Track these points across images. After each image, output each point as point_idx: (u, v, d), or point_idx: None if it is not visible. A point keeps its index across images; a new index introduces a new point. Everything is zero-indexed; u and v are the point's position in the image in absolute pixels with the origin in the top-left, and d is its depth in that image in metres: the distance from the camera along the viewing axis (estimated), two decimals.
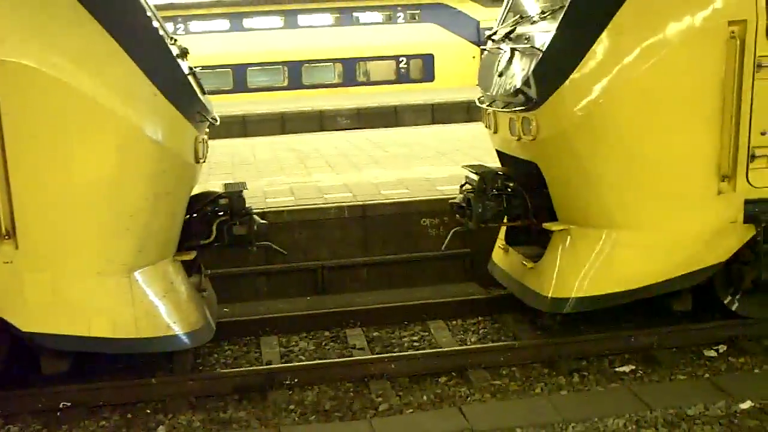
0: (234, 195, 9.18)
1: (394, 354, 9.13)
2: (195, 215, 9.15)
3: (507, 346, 9.04)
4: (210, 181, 13.06)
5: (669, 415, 7.27)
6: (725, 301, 9.32)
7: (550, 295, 8.97)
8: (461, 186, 10.00)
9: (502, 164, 10.32)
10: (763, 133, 8.41)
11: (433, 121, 29.45)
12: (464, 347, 9.32)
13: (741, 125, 8.32)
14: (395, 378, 8.68)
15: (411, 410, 7.97)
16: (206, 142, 8.91)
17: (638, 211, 8.64)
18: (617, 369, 8.75)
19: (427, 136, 19.88)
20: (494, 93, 9.70)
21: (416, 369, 8.77)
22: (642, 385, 8.32)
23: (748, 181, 8.53)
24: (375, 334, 10.09)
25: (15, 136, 7.34)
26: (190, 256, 8.85)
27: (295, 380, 8.59)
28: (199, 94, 8.36)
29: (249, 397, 8.41)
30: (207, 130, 9.05)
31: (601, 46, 8.16)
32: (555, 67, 8.38)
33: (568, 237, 9.04)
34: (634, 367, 8.75)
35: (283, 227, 11.63)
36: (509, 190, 9.65)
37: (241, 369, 8.91)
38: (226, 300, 11.10)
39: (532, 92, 8.68)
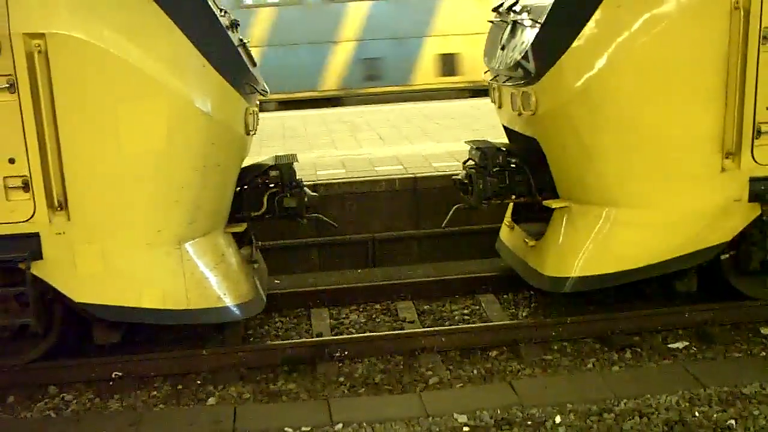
0: (285, 167, 9.17)
1: (445, 327, 9.07)
2: (246, 187, 9.15)
3: (558, 321, 8.92)
4: (261, 153, 13.03)
5: (723, 393, 7.11)
6: (733, 282, 9.05)
7: (549, 274, 8.83)
8: (464, 162, 9.83)
9: (509, 140, 10.12)
10: None
11: None
12: (515, 321, 9.24)
13: (746, 100, 8.00)
14: (445, 352, 8.63)
15: (461, 384, 7.92)
16: (256, 114, 8.88)
17: (638, 188, 8.41)
18: (670, 345, 8.60)
19: (478, 108, 19.69)
20: (497, 67, 9.51)
21: (467, 343, 8.70)
22: (696, 362, 8.18)
23: (753, 158, 8.22)
24: (425, 307, 10.04)
25: (66, 109, 7.37)
26: (241, 228, 8.87)
27: (345, 353, 8.58)
28: (249, 66, 8.31)
29: (299, 369, 8.43)
30: (257, 101, 9.01)
31: (599, 18, 7.91)
32: (553, 40, 8.16)
33: (568, 214, 8.88)
34: (687, 344, 8.59)
35: (333, 199, 11.60)
36: (512, 166, 9.49)
37: (291, 341, 8.93)
38: (278, 272, 11.14)
39: (531, 66, 8.48)
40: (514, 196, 9.64)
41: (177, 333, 9.09)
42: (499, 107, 9.94)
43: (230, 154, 8.27)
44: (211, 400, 7.81)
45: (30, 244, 7.63)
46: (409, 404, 7.28)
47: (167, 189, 7.78)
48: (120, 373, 8.26)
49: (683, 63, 7.91)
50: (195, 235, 8.12)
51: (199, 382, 8.25)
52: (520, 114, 9.01)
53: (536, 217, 9.70)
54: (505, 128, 10.13)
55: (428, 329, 8.96)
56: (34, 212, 7.57)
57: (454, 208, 9.85)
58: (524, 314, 9.63)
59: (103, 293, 7.86)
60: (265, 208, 9.15)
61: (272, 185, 9.21)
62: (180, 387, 8.15)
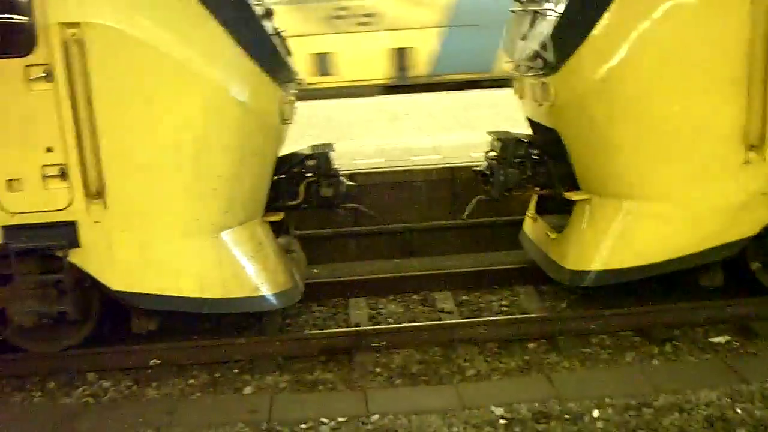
0: (322, 156, 9.12)
1: (483, 318, 8.98)
2: (283, 176, 9.12)
3: (598, 314, 8.78)
4: (299, 142, 13.00)
5: (766, 389, 6.94)
6: (760, 278, 8.82)
7: (569, 268, 8.70)
8: (486, 153, 9.70)
9: (533, 132, 9.96)
10: None
11: None
12: (554, 314, 9.13)
13: None
14: (483, 343, 8.54)
15: (498, 377, 7.84)
16: (292, 103, 8.84)
17: (659, 181, 8.24)
18: (711, 340, 8.44)
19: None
20: (518, 57, 9.37)
21: (505, 334, 8.61)
22: (737, 357, 8.02)
23: None
24: (463, 297, 9.96)
25: (103, 98, 7.40)
26: (278, 217, 8.85)
27: (383, 343, 8.53)
28: (285, 55, 8.27)
29: (336, 359, 8.39)
30: (293, 90, 8.97)
31: (618, 7, 7.77)
32: (571, 31, 8.02)
33: (589, 207, 8.74)
34: (729, 339, 8.42)
35: (371, 189, 11.55)
36: (534, 157, 9.35)
37: (329, 330, 8.91)
38: (316, 261, 11.11)
39: (550, 56, 8.32)
40: (535, 188, 9.53)
41: (215, 322, 9.10)
42: (521, 98, 9.81)
43: (266, 143, 8.25)
44: (248, 389, 7.80)
45: (67, 232, 7.68)
46: (445, 396, 7.21)
47: (204, 178, 7.78)
48: (158, 361, 8.27)
49: (705, 51, 7.74)
50: (232, 224, 8.11)
51: (236, 371, 8.24)
52: (540, 105, 8.88)
53: (559, 209, 9.54)
54: (528, 119, 9.99)
55: (466, 320, 8.90)
56: (71, 200, 7.61)
57: (475, 199, 9.74)
58: (563, 306, 9.51)
59: (139, 281, 7.89)
60: (302, 197, 9.11)
61: (309, 174, 9.16)
62: (217, 375, 8.15)
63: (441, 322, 8.97)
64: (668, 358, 8.06)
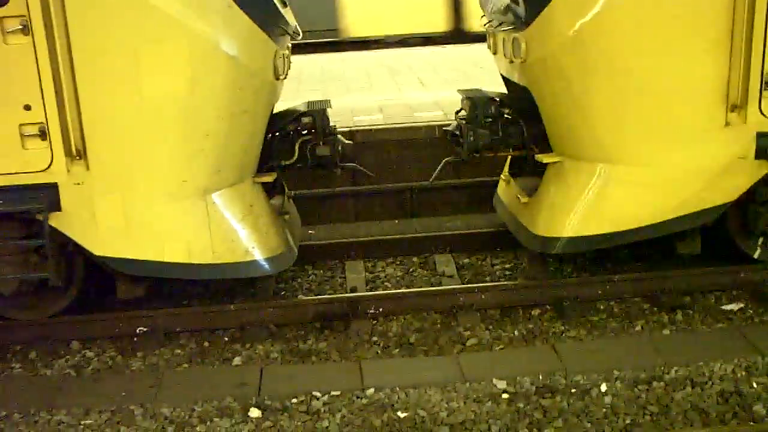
0: (318, 113, 8.69)
1: (484, 284, 8.58)
2: (276, 134, 8.70)
3: (605, 279, 8.39)
4: (297, 97, 12.56)
5: None
6: (740, 245, 8.43)
7: (539, 234, 8.28)
8: (456, 112, 9.27)
9: (507, 90, 9.48)
10: None
11: None
12: (559, 280, 8.71)
13: (753, 46, 7.28)
14: (485, 310, 8.18)
15: (501, 346, 7.48)
16: (287, 58, 8.40)
17: (634, 143, 7.77)
18: (724, 307, 8.05)
19: None
20: (491, 10, 8.87)
21: (508, 301, 8.24)
22: (752, 326, 7.65)
23: (761, 111, 7.51)
24: (465, 260, 9.60)
25: (83, 52, 6.96)
26: (271, 177, 8.43)
27: (380, 309, 8.17)
28: (279, 6, 7.80)
29: (331, 326, 8.04)
30: (288, 44, 8.52)
31: None
32: None
33: (561, 170, 8.30)
34: (743, 306, 8.02)
35: (370, 146, 11.13)
36: (505, 117, 8.91)
37: (323, 296, 8.51)
38: (311, 222, 10.75)
39: (521, 9, 7.86)
40: (507, 149, 9.06)
41: (205, 287, 8.74)
42: (494, 54, 9.33)
43: (258, 100, 7.79)
44: (237, 360, 7.45)
45: (48, 195, 7.28)
46: (445, 368, 6.88)
47: (191, 137, 7.35)
48: (144, 329, 7.92)
49: (684, 6, 7.22)
50: (221, 186, 7.71)
51: (226, 339, 7.91)
52: (511, 62, 8.44)
53: (534, 171, 9.03)
54: (503, 77, 9.52)
55: (467, 286, 8.49)
56: (51, 161, 7.20)
57: (443, 162, 9.29)
58: (568, 270, 9.11)
59: (124, 246, 7.51)
60: (297, 156, 8.70)
61: (305, 132, 8.74)
62: (206, 344, 7.80)
63: (440, 287, 8.56)
64: (679, 328, 7.67)
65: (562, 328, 7.77)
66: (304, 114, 8.69)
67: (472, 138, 8.77)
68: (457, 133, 8.90)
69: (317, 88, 14.94)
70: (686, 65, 7.40)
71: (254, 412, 6.36)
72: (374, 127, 11.41)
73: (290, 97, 11.00)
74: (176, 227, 7.58)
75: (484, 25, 9.44)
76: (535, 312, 8.12)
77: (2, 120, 7.09)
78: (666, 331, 7.58)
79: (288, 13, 8.28)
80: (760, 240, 8.34)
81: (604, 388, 6.44)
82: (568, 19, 7.45)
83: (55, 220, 7.37)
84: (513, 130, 8.89)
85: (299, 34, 8.61)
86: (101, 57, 6.97)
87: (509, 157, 9.68)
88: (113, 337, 7.93)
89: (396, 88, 14.71)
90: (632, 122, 7.66)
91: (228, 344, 7.78)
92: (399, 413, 6.26)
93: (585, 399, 6.31)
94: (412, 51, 19.89)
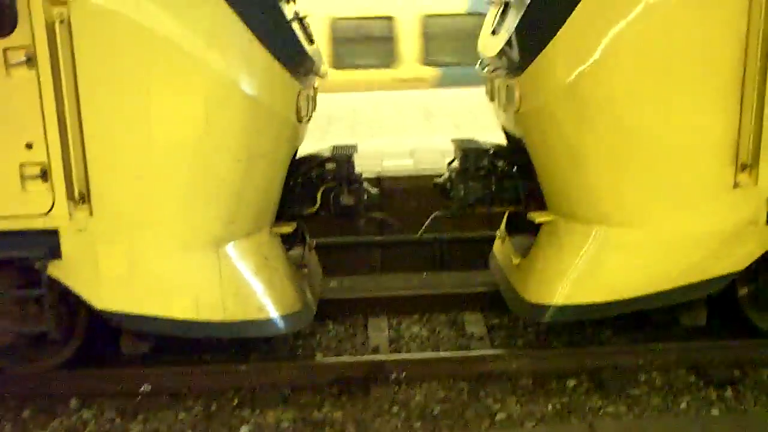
0: (342, 159, 8.13)
1: (515, 350, 7.94)
2: (298, 181, 8.13)
3: (647, 348, 7.72)
4: (326, 139, 12.03)
5: None
6: (752, 319, 7.74)
7: (529, 300, 7.58)
8: (449, 163, 8.64)
9: (507, 140, 8.81)
10: None
11: None
12: (598, 348, 8.04)
13: (766, 101, 6.62)
14: (516, 378, 7.53)
15: (533, 423, 6.80)
16: (312, 99, 7.86)
17: (634, 204, 7.07)
18: None
19: None
20: (487, 55, 8.24)
21: (541, 369, 7.59)
22: None
23: None
24: (496, 321, 8.90)
25: (91, 88, 6.46)
26: (290, 228, 7.84)
27: (403, 374, 7.54)
28: (305, 43, 7.26)
29: (349, 391, 7.41)
30: (314, 84, 7.98)
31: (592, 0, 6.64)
32: (538, 25, 6.87)
33: (554, 231, 7.63)
34: None
35: (399, 194, 10.52)
36: (500, 170, 8.27)
37: (343, 359, 7.90)
38: (333, 272, 10.14)
39: (515, 54, 7.25)
40: (502, 205, 8.44)
41: (217, 343, 8.14)
42: (491, 101, 8.69)
43: (279, 143, 7.21)
44: (244, 429, 6.82)
45: (47, 241, 6.75)
46: None
47: (204, 182, 6.79)
48: (149, 387, 7.33)
49: (690, 55, 6.54)
50: (235, 236, 7.13)
51: (235, 402, 7.28)
52: (505, 110, 7.82)
53: (529, 229, 8.34)
54: (502, 126, 8.87)
55: (497, 352, 7.82)
56: (52, 205, 6.68)
57: (432, 215, 8.64)
58: (607, 334, 8.42)
59: (128, 300, 6.94)
60: (319, 205, 8.12)
61: (328, 179, 8.16)
62: (213, 408, 7.18)
63: (468, 353, 7.89)
64: (729, 406, 6.97)
65: (600, 403, 7.08)
66: (328, 160, 8.13)
67: (462, 192, 8.18)
68: (447, 186, 8.30)
69: (346, 130, 14.42)
70: (692, 119, 6.72)
71: None
72: (403, 174, 10.81)
73: (317, 139, 10.46)
74: (185, 280, 7.00)
75: (482, 70, 8.81)
76: (571, 383, 7.44)
77: (2, 158, 6.58)
78: (715, 411, 6.88)
79: (314, 51, 7.74)
80: None
81: None
82: (564, 65, 6.81)
83: (55, 269, 6.83)
84: (508, 185, 8.28)
85: (326, 74, 8.07)
86: (109, 93, 6.46)
87: (506, 213, 9.05)
88: (114, 395, 7.35)
89: (429, 131, 14.16)
90: (631, 181, 6.99)
91: (236, 409, 7.16)
92: None
93: None
94: (448, 91, 19.32)
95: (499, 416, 6.91)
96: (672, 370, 7.58)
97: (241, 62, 6.61)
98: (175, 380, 7.43)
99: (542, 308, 7.44)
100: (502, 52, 7.53)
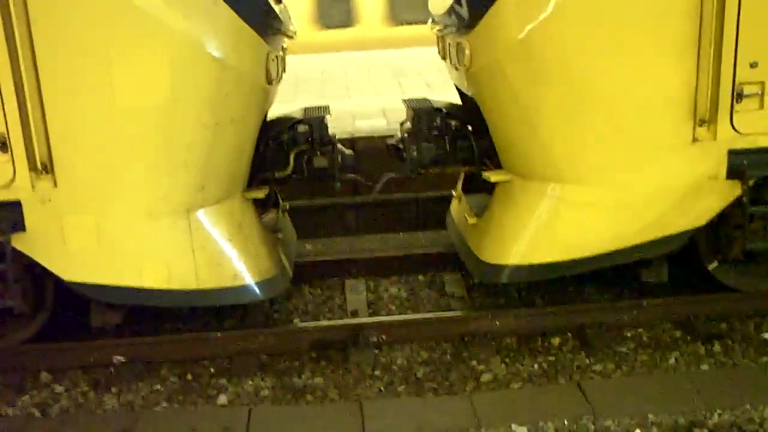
0: (315, 121, 7.91)
1: (498, 310, 7.79)
2: (269, 144, 7.90)
3: (632, 304, 7.60)
4: (296, 101, 11.80)
5: None
6: (713, 272, 7.66)
7: (484, 260, 7.47)
8: (401, 124, 8.46)
9: (461, 99, 8.60)
10: (753, 65, 6.57)
11: None
12: (581, 305, 7.86)
13: (724, 54, 6.49)
14: (500, 338, 7.40)
15: (519, 384, 6.68)
16: (282, 60, 7.62)
17: (589, 161, 6.93)
18: (765, 335, 7.25)
19: None
20: (438, 12, 8.06)
21: (525, 328, 7.47)
22: None
23: (732, 126, 6.71)
24: (476, 280, 8.72)
25: (49, 51, 6.20)
26: (262, 193, 7.64)
27: (383, 337, 7.39)
28: (272, 2, 7.01)
29: (328, 356, 7.26)
30: (283, 45, 7.73)
31: None
32: None
33: (509, 190, 7.49)
34: None
35: (373, 155, 10.30)
36: (453, 129, 8.10)
37: (320, 323, 7.75)
38: (309, 236, 9.96)
39: (464, 11, 7.07)
40: (457, 165, 8.26)
41: (191, 312, 7.95)
42: (443, 59, 8.48)
43: (248, 107, 6.98)
44: (222, 398, 6.65)
45: (10, 214, 6.53)
46: (457, 410, 6.05)
47: (172, 149, 6.57)
48: (122, 359, 7.15)
49: (644, 6, 6.38)
50: (206, 203, 6.92)
51: (212, 370, 7.11)
52: (456, 69, 7.64)
53: (488, 188, 8.14)
54: (455, 85, 8.69)
55: (479, 312, 7.68)
56: (13, 176, 6.45)
57: (385, 177, 8.44)
58: (590, 291, 8.30)
59: (96, 271, 6.74)
60: (292, 168, 7.91)
61: (300, 142, 7.94)
62: (189, 378, 7.01)
63: (450, 314, 7.77)
64: (718, 361, 6.88)
65: (587, 361, 6.97)
66: (299, 122, 7.92)
67: (415, 153, 7.99)
68: (400, 147, 8.11)
69: (315, 91, 14.17)
70: (647, 73, 6.57)
71: None
72: (377, 133, 10.61)
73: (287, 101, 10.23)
74: (155, 249, 6.80)
75: (432, 28, 8.59)
76: (556, 341, 7.33)
77: None
78: (704, 366, 6.79)
79: (283, 11, 7.50)
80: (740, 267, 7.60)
81: None
82: (515, 21, 6.62)
83: (19, 242, 6.61)
84: (462, 144, 8.10)
85: (294, 34, 7.83)
86: (69, 58, 6.20)
87: (462, 172, 8.88)
88: (87, 367, 7.16)
89: (401, 91, 13.93)
90: (587, 137, 6.85)
91: (214, 378, 6.99)
92: None
93: None
94: (419, 51, 19.07)
95: (485, 377, 6.78)
96: (658, 326, 7.48)
97: (206, 23, 6.35)
98: (149, 351, 7.23)
99: (498, 269, 7.33)
100: (451, 9, 7.33)
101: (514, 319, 7.48)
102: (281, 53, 7.66)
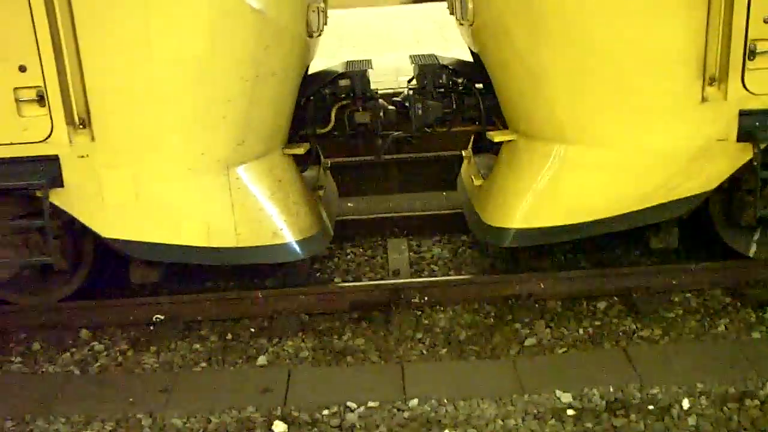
0: (357, 75, 7.70)
1: (544, 272, 7.60)
2: (310, 99, 7.73)
3: (680, 267, 7.36)
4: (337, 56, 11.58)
5: None
6: (724, 238, 7.32)
7: (489, 223, 7.22)
8: (408, 81, 8.18)
9: (472, 55, 8.25)
10: (766, 20, 6.17)
11: None
12: (628, 268, 7.62)
13: (735, 7, 6.09)
14: (545, 300, 7.22)
15: (564, 348, 6.50)
16: (323, 12, 7.42)
17: (594, 121, 6.61)
18: None
19: None
20: None
21: (570, 291, 7.27)
22: None
23: (744, 85, 6.31)
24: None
25: (86, 4, 6.04)
26: (302, 149, 7.48)
27: (425, 299, 7.25)
28: None
29: (370, 317, 7.14)
30: None
31: None
32: None
33: (514, 150, 7.21)
34: None
35: None
36: (460, 87, 7.82)
37: (361, 284, 7.60)
38: (351, 194, 9.81)
39: None
40: (464, 124, 8.03)
41: (230, 270, 7.85)
42: (451, 14, 8.19)
43: (289, 60, 6.81)
44: (262, 359, 6.55)
45: (48, 169, 6.42)
46: (500, 375, 5.96)
47: (211, 103, 6.42)
48: (161, 317, 7.10)
49: None
50: (245, 159, 6.78)
51: (252, 330, 7.02)
52: (461, 24, 7.36)
53: (496, 148, 7.87)
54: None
55: (523, 274, 7.49)
56: (51, 130, 6.33)
57: (390, 137, 8.19)
58: (636, 254, 8.07)
59: (135, 228, 6.65)
60: (333, 123, 7.74)
61: (342, 97, 7.76)
62: (229, 337, 6.92)
63: (493, 277, 7.57)
64: None
65: (634, 326, 6.76)
66: (341, 76, 7.71)
67: (420, 111, 7.74)
68: (406, 104, 7.87)
69: (358, 46, 13.94)
70: (655, 29, 6.20)
71: (279, 426, 5.51)
72: None
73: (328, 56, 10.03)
74: (194, 206, 6.68)
75: None
76: (601, 305, 7.13)
77: None
78: (756, 334, 6.56)
79: None
80: (756, 235, 7.26)
81: (686, 404, 5.51)
82: None
83: (58, 197, 6.52)
84: (469, 102, 7.85)
85: None
86: (106, 10, 6.04)
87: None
88: (126, 325, 7.11)
89: (446, 45, 13.65)
90: (592, 96, 6.53)
91: (254, 337, 6.90)
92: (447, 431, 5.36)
93: (665, 419, 5.37)
94: None
95: (529, 341, 6.62)
96: (706, 291, 7.26)
97: None
98: (189, 309, 7.17)
99: (502, 232, 7.11)
100: None
101: (559, 281, 7.29)
102: (322, 5, 7.46)
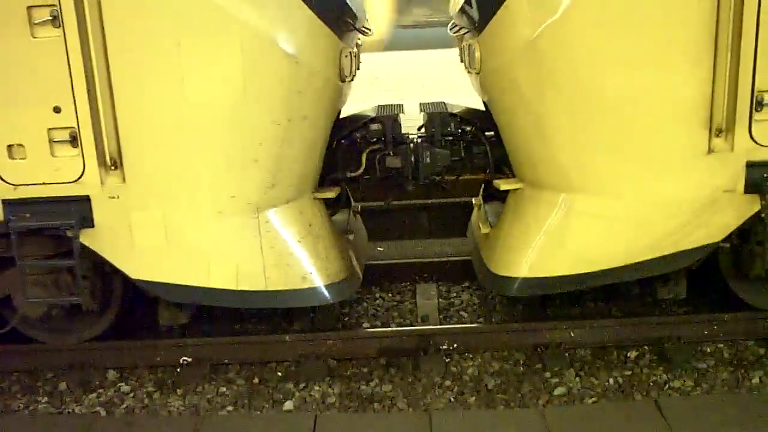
0: (388, 120, 7.70)
1: (574, 321, 7.49)
2: (342, 143, 7.73)
3: (713, 318, 7.25)
4: (371, 99, 11.62)
5: None
6: (734, 289, 7.23)
7: (495, 272, 7.10)
8: (418, 129, 8.13)
9: (483, 103, 8.15)
10: None
11: None
12: (659, 317, 7.50)
13: (742, 59, 6.02)
14: (575, 349, 7.13)
15: (593, 398, 6.40)
16: (355, 56, 7.44)
17: (601, 171, 6.52)
18: None
19: None
20: (454, 13, 7.75)
21: (600, 340, 7.18)
22: None
23: (751, 136, 6.23)
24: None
25: (120, 47, 6.09)
26: (333, 193, 7.47)
27: (454, 345, 7.19)
28: None
29: (398, 363, 7.07)
30: (357, 41, 7.56)
31: None
32: None
33: (520, 199, 7.14)
34: None
35: None
36: (468, 136, 7.78)
37: (390, 329, 7.55)
38: (381, 237, 9.76)
39: (474, 12, 6.74)
40: (473, 172, 8.01)
41: (260, 312, 7.83)
42: (461, 62, 8.16)
43: (320, 104, 6.81)
44: (289, 404, 6.50)
45: (79, 209, 6.45)
46: (528, 424, 5.84)
47: (242, 146, 6.42)
48: (188, 359, 7.07)
49: (658, 9, 5.96)
50: (276, 202, 6.77)
51: (279, 374, 6.97)
52: (469, 72, 7.32)
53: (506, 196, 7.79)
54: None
55: (553, 322, 7.40)
56: (83, 171, 6.36)
57: (399, 185, 8.14)
58: (670, 303, 7.95)
59: (164, 270, 6.64)
60: (364, 168, 7.73)
61: (373, 141, 7.75)
62: (256, 381, 6.87)
63: (523, 324, 7.48)
64: None
65: (665, 377, 6.65)
66: (372, 120, 7.72)
67: (428, 159, 7.69)
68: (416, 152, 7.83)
69: (392, 89, 13.99)
70: (661, 80, 6.14)
71: None
72: None
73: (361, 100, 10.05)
74: (224, 249, 6.66)
75: (451, 29, 8.29)
76: (632, 354, 7.03)
77: (29, 123, 6.26)
78: None
79: (357, 5, 7.32)
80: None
81: None
82: (524, 23, 6.28)
83: (88, 238, 6.53)
84: (477, 151, 7.84)
85: (370, 30, 7.65)
86: (141, 53, 6.09)
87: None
88: (153, 366, 7.10)
89: None
90: (598, 146, 6.46)
91: (281, 382, 6.85)
92: None
93: None
94: None
95: (558, 390, 6.53)
96: (739, 342, 7.14)
97: (280, 18, 6.20)
98: (216, 352, 7.15)
99: (508, 281, 7.00)
100: (462, 10, 7.09)
101: (590, 330, 7.21)
102: (355, 50, 7.48)
